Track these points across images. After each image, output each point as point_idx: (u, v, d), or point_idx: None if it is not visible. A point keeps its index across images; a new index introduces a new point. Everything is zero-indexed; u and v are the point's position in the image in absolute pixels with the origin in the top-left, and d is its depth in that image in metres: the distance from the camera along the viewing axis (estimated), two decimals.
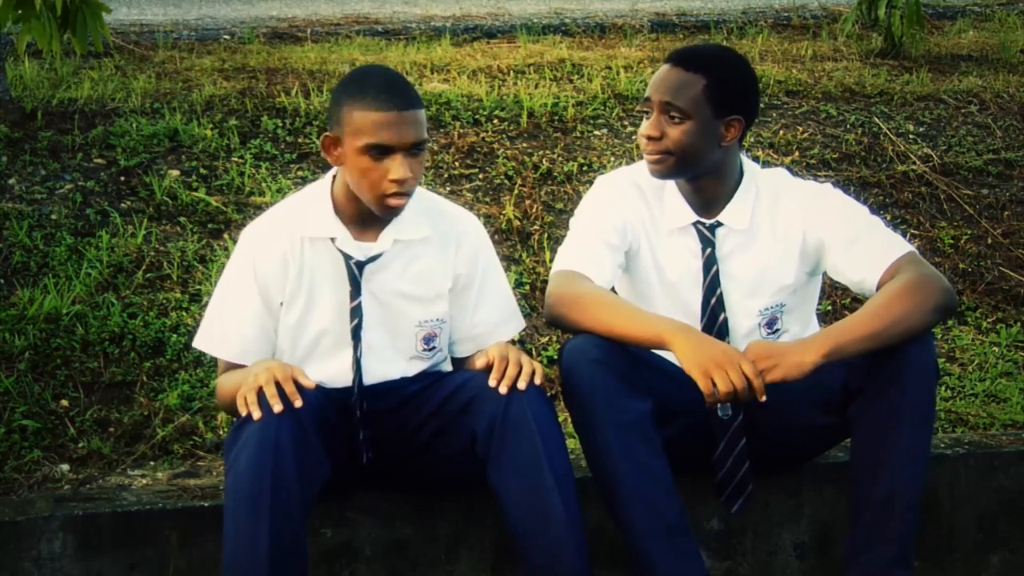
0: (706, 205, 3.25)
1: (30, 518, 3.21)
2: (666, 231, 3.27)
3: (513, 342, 4.10)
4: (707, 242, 3.24)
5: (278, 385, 2.88)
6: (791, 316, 3.29)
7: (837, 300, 4.43)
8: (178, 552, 3.26)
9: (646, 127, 3.19)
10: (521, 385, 2.97)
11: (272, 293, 3.10)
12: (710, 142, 3.18)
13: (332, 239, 3.08)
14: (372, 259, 3.09)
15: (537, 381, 3.00)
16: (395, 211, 3.03)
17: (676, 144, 3.16)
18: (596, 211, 3.29)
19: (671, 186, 3.27)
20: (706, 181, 3.23)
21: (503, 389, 2.96)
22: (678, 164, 3.19)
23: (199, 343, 3.17)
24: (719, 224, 3.25)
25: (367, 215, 3.07)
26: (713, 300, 3.24)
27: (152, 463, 3.58)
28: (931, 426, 3.16)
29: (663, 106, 3.17)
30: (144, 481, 3.47)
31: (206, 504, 3.26)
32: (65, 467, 3.52)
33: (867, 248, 3.17)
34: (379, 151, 2.96)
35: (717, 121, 3.17)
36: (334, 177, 3.12)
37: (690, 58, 3.20)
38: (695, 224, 3.25)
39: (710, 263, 3.24)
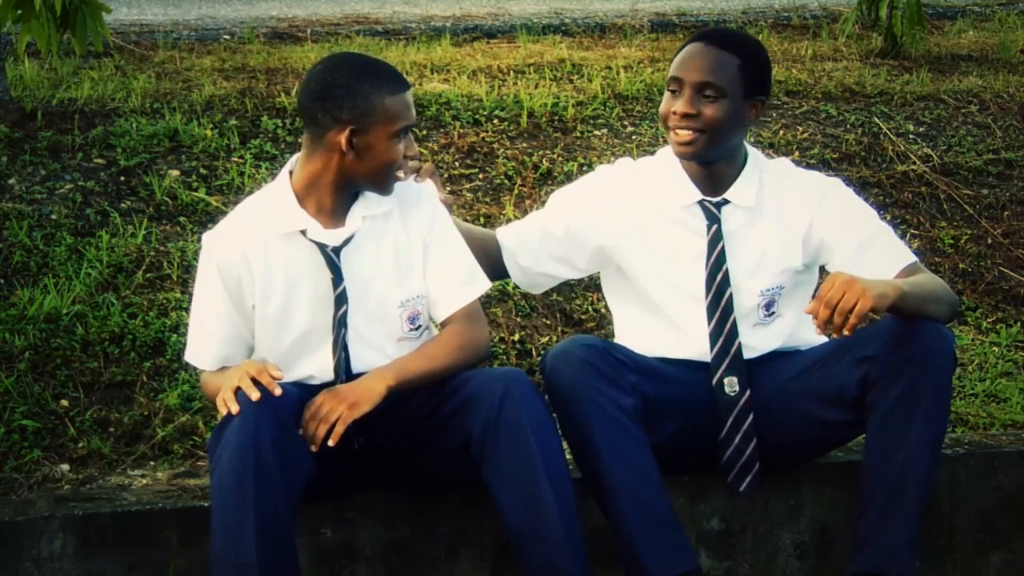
0: (711, 186, 3.28)
1: (30, 518, 3.21)
2: (668, 213, 3.28)
3: (516, 342, 4.11)
4: (713, 218, 3.26)
5: (255, 381, 2.92)
6: (787, 300, 3.31)
7: None
8: (178, 552, 3.26)
9: (679, 105, 3.20)
10: (330, 442, 2.96)
11: (242, 294, 3.11)
12: (739, 122, 3.24)
13: (303, 231, 3.09)
14: (346, 242, 3.11)
15: (345, 424, 2.97)
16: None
17: (712, 121, 3.19)
18: (565, 199, 3.38)
19: (675, 167, 3.30)
20: (719, 164, 3.26)
21: (313, 449, 2.98)
22: (710, 143, 3.22)
23: (188, 357, 3.23)
24: (726, 202, 3.27)
25: (331, 203, 3.10)
26: (719, 276, 3.25)
27: (152, 463, 3.58)
28: (946, 414, 3.19)
29: (698, 85, 3.19)
30: (144, 481, 3.47)
31: (206, 504, 3.25)
32: (65, 467, 3.52)
33: (877, 254, 3.20)
34: (407, 131, 3.09)
35: (746, 101, 3.22)
36: (291, 173, 3.13)
37: (722, 38, 3.25)
38: (701, 202, 3.27)
39: (716, 240, 3.25)
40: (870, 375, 3.14)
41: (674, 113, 3.21)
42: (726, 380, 3.23)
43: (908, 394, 3.09)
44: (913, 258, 3.25)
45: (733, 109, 3.20)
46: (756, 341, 3.30)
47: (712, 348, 3.25)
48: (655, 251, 3.29)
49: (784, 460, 3.42)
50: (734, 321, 3.25)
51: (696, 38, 3.26)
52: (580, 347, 3.13)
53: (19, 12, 4.62)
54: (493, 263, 3.39)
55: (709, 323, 3.25)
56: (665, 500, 3.10)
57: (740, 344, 3.25)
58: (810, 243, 3.28)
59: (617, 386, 3.09)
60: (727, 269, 3.25)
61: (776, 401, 3.25)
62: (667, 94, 3.25)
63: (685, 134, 3.21)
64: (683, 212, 3.28)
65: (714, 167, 3.26)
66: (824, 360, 3.25)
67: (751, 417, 3.24)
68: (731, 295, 3.25)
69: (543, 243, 3.35)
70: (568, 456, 3.11)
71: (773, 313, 3.30)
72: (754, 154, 3.34)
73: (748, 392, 3.23)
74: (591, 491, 3.14)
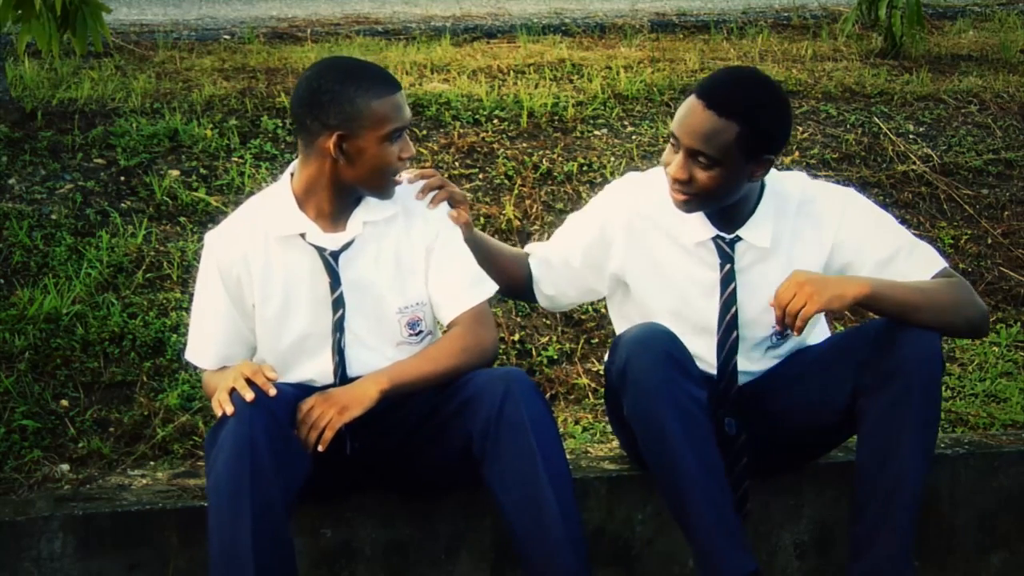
0: (726, 220, 3.22)
1: (30, 518, 3.21)
2: (682, 244, 3.24)
3: (516, 342, 4.11)
4: (726, 258, 3.21)
5: (250, 382, 2.92)
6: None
7: None
8: (178, 552, 3.26)
9: (673, 167, 3.12)
10: (320, 448, 2.97)
11: (242, 294, 3.11)
12: (739, 181, 3.13)
13: (302, 235, 3.09)
14: (345, 247, 3.10)
15: (334, 429, 2.98)
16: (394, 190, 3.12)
17: (704, 188, 3.11)
18: (580, 226, 3.34)
19: None
20: (729, 204, 3.20)
21: (308, 450, 2.98)
22: (705, 202, 3.16)
23: (188, 356, 3.23)
24: (739, 239, 3.22)
25: (330, 207, 3.09)
26: (728, 317, 3.21)
27: (152, 463, 3.58)
28: (936, 419, 3.15)
29: (691, 151, 3.09)
30: (144, 481, 3.47)
31: (206, 504, 3.25)
32: (65, 467, 3.52)
33: (900, 268, 3.16)
34: (399, 133, 3.04)
35: (748, 164, 3.11)
36: (292, 175, 3.13)
37: (724, 102, 3.07)
38: (715, 239, 3.22)
39: (728, 280, 3.21)
40: (859, 383, 3.12)
41: (669, 174, 3.14)
42: (725, 420, 3.21)
43: (896, 405, 3.06)
44: (940, 265, 3.18)
45: (729, 175, 3.09)
46: (765, 364, 3.29)
47: (718, 384, 3.22)
48: (666, 282, 3.26)
49: (782, 465, 3.42)
50: (735, 364, 3.22)
51: (699, 92, 3.11)
52: (662, 336, 3.10)
53: (19, 12, 4.62)
54: (522, 287, 3.40)
55: (718, 358, 3.22)
56: (730, 497, 3.10)
57: (736, 388, 3.22)
58: (832, 267, 3.22)
59: (693, 379, 3.08)
60: (736, 311, 3.20)
61: (773, 414, 3.23)
62: (669, 144, 3.15)
63: (679, 196, 3.15)
64: (696, 246, 3.23)
65: (725, 206, 3.20)
66: (820, 365, 3.21)
67: (745, 460, 3.22)
68: (737, 336, 3.21)
69: (564, 273, 3.34)
70: (568, 456, 3.10)
71: (787, 336, 3.27)
72: (772, 184, 3.24)
73: (744, 436, 3.21)
74: (657, 483, 3.12)
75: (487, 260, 3.28)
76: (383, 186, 3.09)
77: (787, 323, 3.04)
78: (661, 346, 3.07)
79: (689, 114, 3.10)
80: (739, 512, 3.21)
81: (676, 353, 3.08)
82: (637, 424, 3.11)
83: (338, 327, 3.09)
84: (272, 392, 2.92)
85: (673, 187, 3.15)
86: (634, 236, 3.27)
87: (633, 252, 3.27)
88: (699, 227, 3.22)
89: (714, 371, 3.23)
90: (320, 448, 2.97)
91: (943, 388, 4.13)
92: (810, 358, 3.26)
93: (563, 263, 3.34)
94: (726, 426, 3.20)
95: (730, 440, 3.21)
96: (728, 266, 3.21)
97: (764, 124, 3.10)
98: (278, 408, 2.93)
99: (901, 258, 3.17)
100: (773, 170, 3.29)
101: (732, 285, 3.21)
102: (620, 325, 3.41)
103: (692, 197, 3.14)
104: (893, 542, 3.08)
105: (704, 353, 3.22)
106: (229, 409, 2.89)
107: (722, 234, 3.22)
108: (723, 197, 3.16)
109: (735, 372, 3.22)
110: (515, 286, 3.40)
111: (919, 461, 3.08)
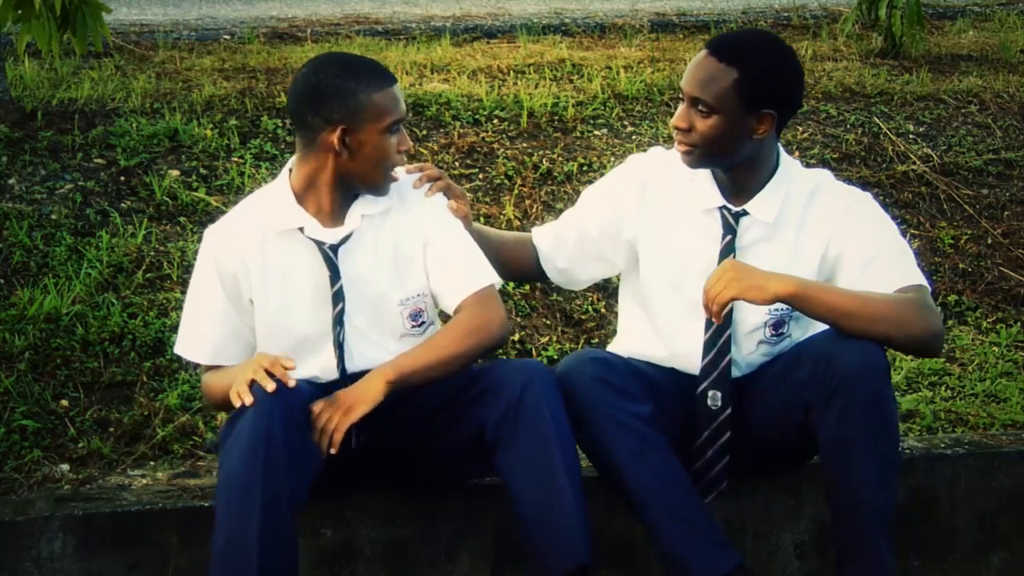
0: (736, 192, 3.21)
1: (30, 518, 3.22)
2: (690, 213, 3.24)
3: (516, 342, 4.11)
4: (729, 229, 3.20)
5: (269, 373, 2.92)
6: (798, 323, 3.25)
7: None
8: (178, 552, 3.26)
9: (675, 116, 3.16)
10: (332, 451, 2.97)
11: (240, 290, 3.11)
12: (740, 135, 3.13)
13: (301, 229, 3.09)
14: (344, 240, 3.10)
15: (341, 431, 2.97)
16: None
17: (703, 138, 3.12)
18: (596, 196, 3.34)
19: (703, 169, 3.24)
20: (739, 170, 3.19)
21: (323, 455, 2.98)
22: (707, 156, 3.16)
23: (178, 349, 3.23)
24: (745, 213, 3.21)
25: (330, 203, 3.10)
26: None
27: (152, 463, 3.58)
28: (888, 425, 3.07)
29: (691, 99, 3.12)
30: (144, 481, 3.47)
31: (206, 504, 3.26)
32: (65, 467, 3.52)
33: (876, 273, 3.12)
34: (398, 125, 3.07)
35: (748, 115, 3.10)
36: (290, 171, 3.14)
37: (725, 48, 3.12)
38: (721, 208, 3.21)
39: (727, 251, 3.19)
40: (807, 399, 3.08)
41: (671, 123, 3.18)
42: (710, 393, 3.19)
43: (843, 418, 3.01)
44: (915, 281, 3.12)
45: (728, 125, 3.10)
46: (755, 359, 3.26)
47: (704, 358, 3.21)
48: (669, 251, 3.25)
49: (764, 470, 3.40)
50: (728, 337, 3.20)
51: (706, 44, 3.17)
52: (589, 363, 3.10)
53: (19, 12, 4.62)
54: (530, 266, 3.39)
55: (706, 332, 3.21)
56: (697, 499, 3.09)
57: (730, 361, 3.20)
58: (826, 262, 3.20)
59: (631, 396, 3.07)
60: None
61: (752, 419, 3.22)
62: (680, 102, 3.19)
63: (681, 147, 3.17)
64: (704, 215, 3.22)
65: (735, 173, 3.19)
66: (778, 378, 3.17)
67: (728, 435, 3.20)
68: (731, 309, 3.18)
69: (579, 244, 3.33)
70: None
71: (783, 334, 3.24)
72: (787, 165, 3.24)
73: (729, 410, 3.19)
74: (624, 503, 3.12)
75: (491, 249, 3.28)
76: (381, 180, 3.10)
77: (708, 308, 3.05)
78: (591, 373, 3.08)
79: (693, 64, 3.15)
80: (715, 492, 3.20)
81: (608, 376, 3.08)
82: (587, 453, 3.14)
83: (338, 321, 3.09)
84: (292, 383, 2.92)
85: (676, 139, 3.17)
86: (647, 202, 3.27)
87: (644, 218, 3.27)
88: (708, 194, 3.22)
89: (693, 368, 3.22)
90: (332, 451, 2.96)
91: (943, 388, 4.15)
92: (774, 368, 3.22)
93: (579, 234, 3.33)
94: (710, 400, 3.19)
95: (710, 415, 3.19)
96: (729, 237, 3.20)
97: (763, 73, 3.10)
98: (294, 403, 2.93)
99: (879, 263, 3.13)
100: (797, 162, 3.30)
101: (731, 256, 3.19)
102: (626, 309, 3.40)
103: (693, 148, 3.15)
104: (868, 555, 3.04)
105: (687, 345, 3.22)
106: (248, 399, 2.89)
107: (729, 205, 3.21)
108: (725, 152, 3.15)
109: (727, 346, 3.20)
110: (523, 269, 3.41)
111: (874, 471, 3.02)
